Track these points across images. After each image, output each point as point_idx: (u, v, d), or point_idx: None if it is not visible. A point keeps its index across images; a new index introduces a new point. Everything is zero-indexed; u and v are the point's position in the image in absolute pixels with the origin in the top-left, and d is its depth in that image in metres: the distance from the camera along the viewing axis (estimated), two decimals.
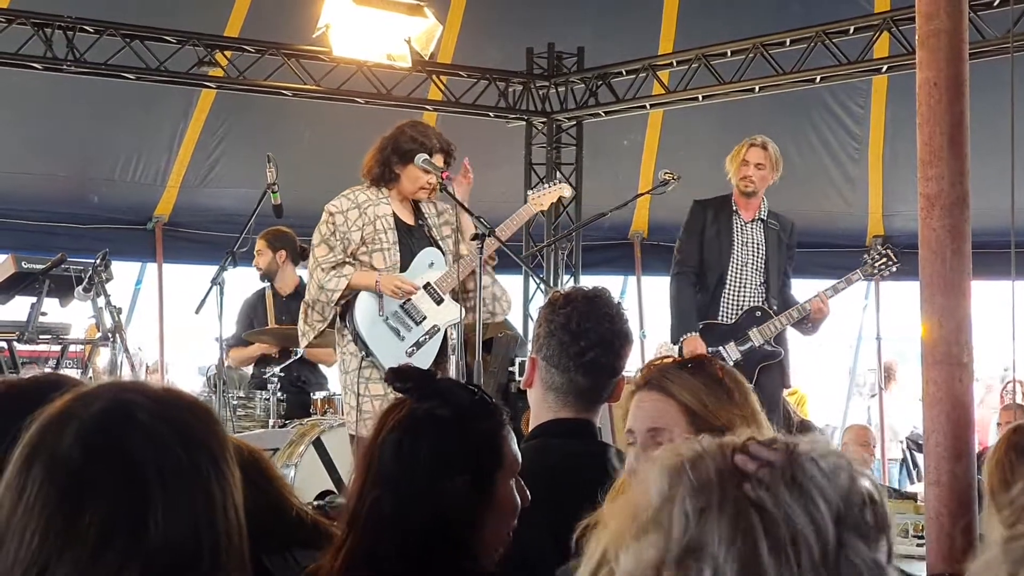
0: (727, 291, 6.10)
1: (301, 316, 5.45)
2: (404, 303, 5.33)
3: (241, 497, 1.49)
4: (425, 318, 5.40)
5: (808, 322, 5.98)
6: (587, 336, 2.77)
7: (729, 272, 6.11)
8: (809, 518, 1.06)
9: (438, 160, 5.34)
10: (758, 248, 6.11)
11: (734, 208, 6.20)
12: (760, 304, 6.04)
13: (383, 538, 2.06)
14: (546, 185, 5.97)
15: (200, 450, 1.45)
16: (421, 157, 5.24)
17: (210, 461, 1.45)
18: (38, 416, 1.45)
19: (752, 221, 6.15)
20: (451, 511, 2.08)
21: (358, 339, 5.28)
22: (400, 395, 2.22)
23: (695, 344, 6.03)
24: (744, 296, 6.07)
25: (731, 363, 5.84)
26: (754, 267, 6.09)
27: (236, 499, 1.47)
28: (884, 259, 5.91)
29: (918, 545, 5.20)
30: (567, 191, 5.90)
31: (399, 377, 2.22)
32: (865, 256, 6.05)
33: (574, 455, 2.33)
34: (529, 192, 5.99)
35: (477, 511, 2.11)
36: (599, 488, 2.25)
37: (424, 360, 5.32)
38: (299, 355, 6.74)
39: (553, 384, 2.79)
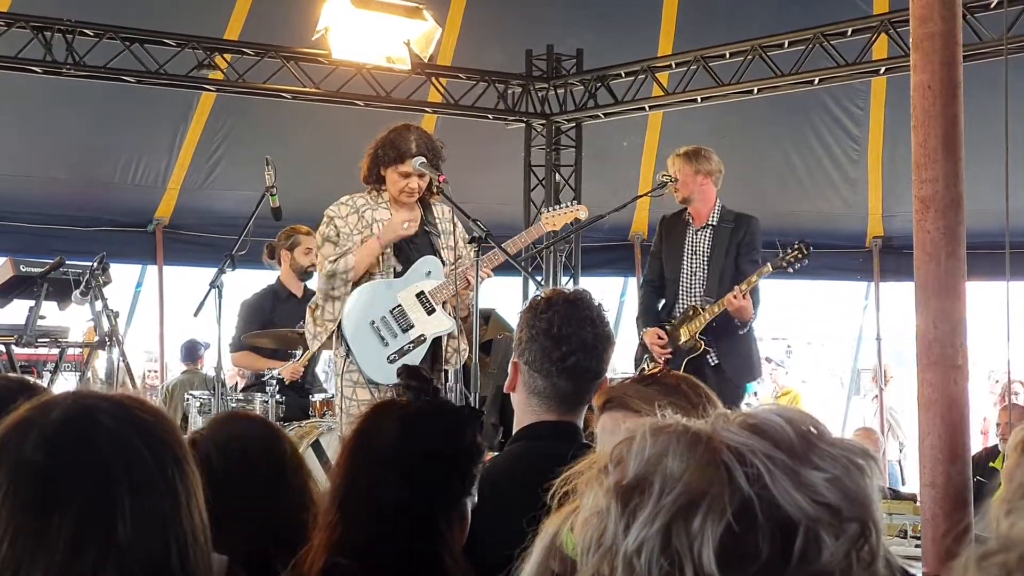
0: (680, 299, 6.25)
1: (310, 316, 5.43)
2: (393, 309, 5.32)
3: (203, 497, 1.50)
4: (412, 327, 5.35)
5: (734, 320, 6.00)
6: (569, 341, 2.77)
7: (681, 281, 6.27)
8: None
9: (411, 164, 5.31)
10: (704, 254, 6.22)
11: (688, 220, 6.30)
12: (694, 303, 6.11)
13: (379, 519, 2.11)
14: (561, 206, 5.94)
15: (163, 450, 1.47)
16: (419, 160, 5.24)
17: (173, 461, 1.47)
18: None
19: (702, 228, 6.24)
20: (446, 508, 2.17)
21: (343, 341, 5.29)
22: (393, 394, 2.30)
23: (653, 335, 6.22)
24: (690, 302, 6.18)
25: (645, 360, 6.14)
26: (700, 273, 6.20)
27: (199, 499, 1.49)
28: (796, 252, 5.94)
29: (916, 546, 5.21)
30: (583, 214, 5.90)
31: (412, 375, 2.30)
32: (778, 251, 6.07)
33: (557, 458, 2.34)
34: (544, 210, 5.99)
35: (456, 516, 2.17)
36: None
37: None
38: (298, 358, 6.75)
39: (536, 388, 2.80)
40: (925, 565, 3.72)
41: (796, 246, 5.95)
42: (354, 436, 2.26)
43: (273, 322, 7.05)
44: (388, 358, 5.28)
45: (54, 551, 1.36)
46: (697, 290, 6.18)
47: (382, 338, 5.32)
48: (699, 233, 6.25)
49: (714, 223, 6.22)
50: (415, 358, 5.31)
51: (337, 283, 5.26)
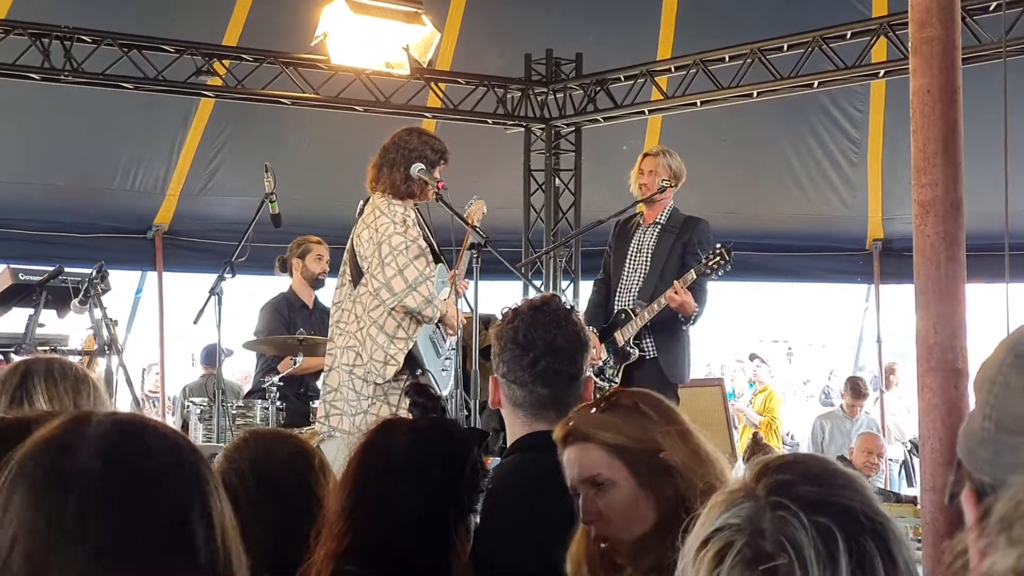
0: (617, 297, 6.23)
1: (399, 321, 5.27)
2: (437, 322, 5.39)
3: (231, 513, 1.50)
4: (449, 334, 5.48)
5: (679, 315, 5.96)
6: (536, 345, 2.76)
7: (621, 279, 6.23)
8: None
9: (443, 164, 5.38)
10: (647, 252, 6.17)
11: (639, 221, 6.29)
12: (626, 306, 6.09)
13: (389, 529, 2.12)
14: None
15: (200, 457, 1.47)
16: (418, 167, 5.23)
17: (209, 470, 1.46)
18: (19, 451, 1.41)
19: (650, 227, 6.19)
20: (456, 517, 2.18)
21: (412, 359, 5.27)
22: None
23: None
24: (624, 300, 6.18)
25: (604, 363, 6.09)
26: (641, 271, 6.17)
27: (230, 512, 1.47)
28: (718, 258, 5.90)
29: (917, 549, 5.21)
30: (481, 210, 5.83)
31: (419, 392, 2.35)
32: (702, 255, 6.02)
33: (551, 469, 2.35)
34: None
35: (460, 528, 2.17)
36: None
37: (452, 374, 5.43)
38: (297, 364, 6.75)
39: (517, 400, 2.79)
40: (926, 569, 3.71)
41: (718, 251, 5.92)
42: (363, 448, 2.27)
43: (289, 330, 7.07)
44: (442, 368, 5.41)
45: (135, 562, 1.34)
46: (633, 290, 6.15)
47: (436, 348, 5.41)
48: (646, 232, 6.22)
49: (662, 222, 6.20)
50: (455, 365, 5.46)
51: (428, 312, 5.23)
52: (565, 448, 2.31)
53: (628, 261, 6.21)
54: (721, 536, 1.20)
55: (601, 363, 6.09)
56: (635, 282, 6.15)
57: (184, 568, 1.36)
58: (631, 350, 6.02)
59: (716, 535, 1.20)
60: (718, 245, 5.90)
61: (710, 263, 5.84)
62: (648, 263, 6.13)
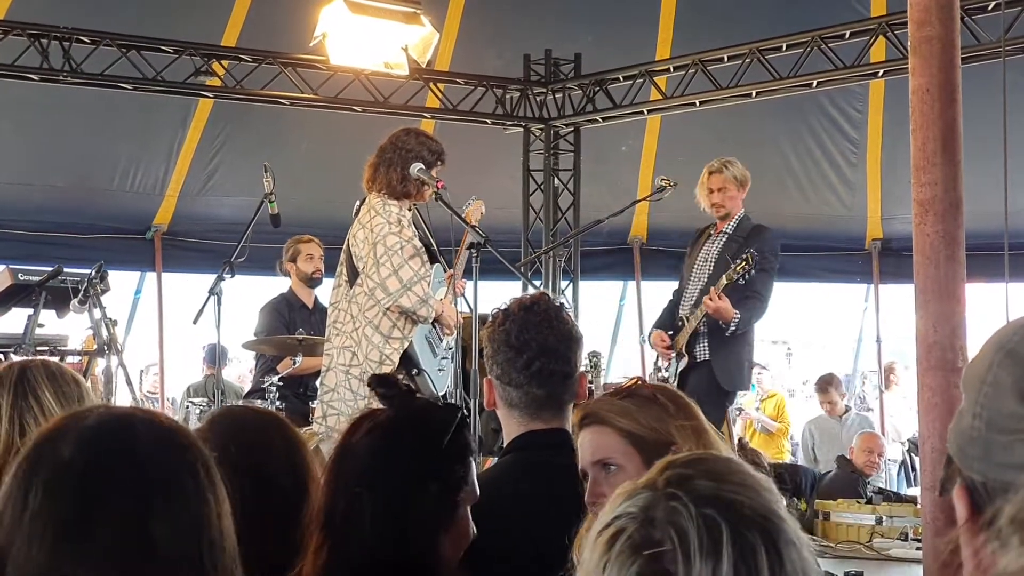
0: (682, 304, 6.29)
1: (394, 321, 5.28)
2: (433, 321, 5.38)
3: (228, 508, 1.51)
4: (445, 334, 5.47)
5: (720, 323, 5.98)
6: (529, 347, 2.75)
7: (687, 286, 6.29)
8: None
9: (440, 165, 5.39)
10: (712, 261, 6.19)
11: (711, 230, 6.34)
12: (684, 313, 6.16)
13: (361, 537, 2.09)
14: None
15: (190, 455, 1.49)
16: (417, 167, 5.23)
17: (202, 467, 1.48)
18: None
19: (719, 234, 6.24)
20: (424, 515, 2.13)
21: (409, 361, 5.27)
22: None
23: (657, 335, 6.32)
24: (686, 307, 6.25)
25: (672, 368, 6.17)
26: (703, 279, 6.20)
27: (226, 508, 1.50)
28: (743, 263, 5.91)
29: (917, 548, 5.20)
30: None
31: (382, 383, 2.26)
32: (731, 262, 6.03)
33: (547, 467, 2.35)
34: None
35: (442, 522, 2.14)
36: (576, 501, 2.27)
37: (450, 374, 5.41)
38: (297, 364, 6.76)
39: (512, 400, 2.78)
40: (926, 567, 3.72)
41: (744, 256, 5.92)
42: (335, 454, 2.22)
43: (289, 330, 7.07)
44: (439, 368, 5.39)
45: (93, 554, 1.37)
46: (693, 297, 6.17)
47: (432, 348, 5.39)
48: (715, 241, 6.23)
49: (729, 231, 6.21)
50: (453, 364, 5.45)
51: (423, 313, 5.23)
52: (581, 431, 2.33)
53: (695, 269, 6.26)
54: (617, 523, 1.25)
55: (667, 366, 6.17)
56: (696, 290, 6.18)
57: (160, 561, 1.38)
58: (683, 355, 6.08)
59: (614, 521, 1.26)
60: (747, 251, 5.92)
61: (737, 268, 5.86)
62: (711, 271, 6.15)
